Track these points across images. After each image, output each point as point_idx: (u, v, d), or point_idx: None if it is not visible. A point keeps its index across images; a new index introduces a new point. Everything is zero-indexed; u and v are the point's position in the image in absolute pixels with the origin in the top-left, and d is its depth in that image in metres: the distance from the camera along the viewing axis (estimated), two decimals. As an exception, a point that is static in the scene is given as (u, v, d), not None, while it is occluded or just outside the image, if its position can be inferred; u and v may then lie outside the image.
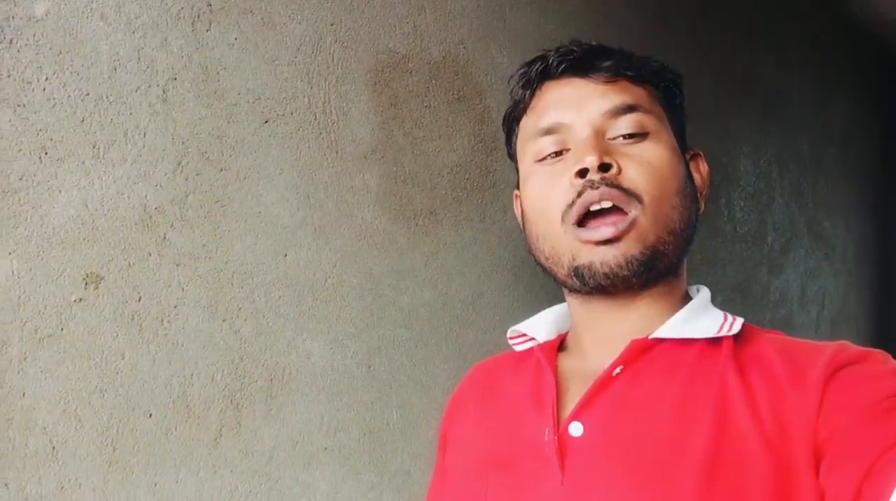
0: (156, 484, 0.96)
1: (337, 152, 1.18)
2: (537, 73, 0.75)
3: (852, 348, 0.64)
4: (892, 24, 3.09)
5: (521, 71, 0.77)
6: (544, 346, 0.78)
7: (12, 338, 0.87)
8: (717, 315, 0.72)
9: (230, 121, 1.06)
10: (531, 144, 0.74)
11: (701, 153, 0.78)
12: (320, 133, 1.16)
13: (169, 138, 0.99)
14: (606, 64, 0.72)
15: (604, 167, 0.68)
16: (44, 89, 0.89)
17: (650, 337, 0.70)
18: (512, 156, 0.82)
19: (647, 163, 0.69)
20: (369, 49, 1.23)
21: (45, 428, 0.89)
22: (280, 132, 1.11)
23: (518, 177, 0.80)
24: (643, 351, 0.70)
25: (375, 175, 1.24)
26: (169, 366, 0.99)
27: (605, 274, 0.68)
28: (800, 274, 2.66)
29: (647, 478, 0.62)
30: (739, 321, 0.70)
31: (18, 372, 0.87)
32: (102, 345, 0.94)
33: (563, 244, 0.70)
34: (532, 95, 0.76)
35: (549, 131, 0.72)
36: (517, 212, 0.83)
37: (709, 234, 2.15)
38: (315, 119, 1.16)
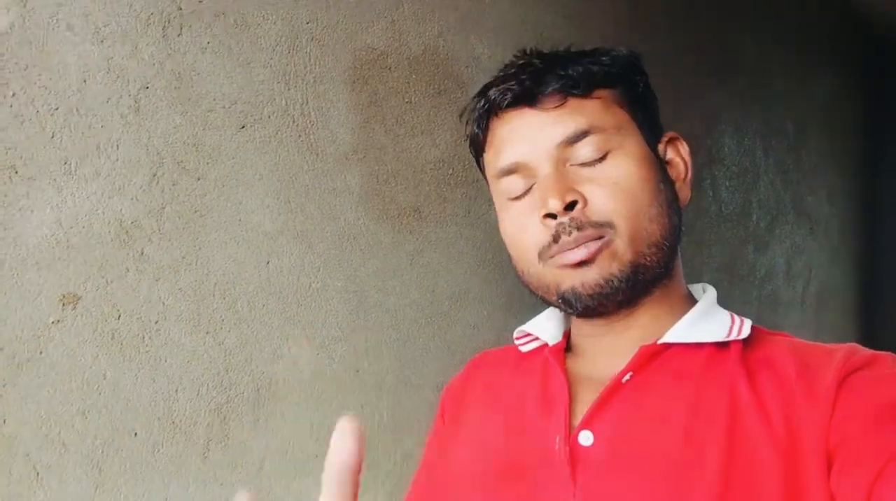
0: (144, 504, 0.95)
1: (317, 154, 1.16)
2: (484, 111, 0.73)
3: (862, 352, 0.64)
4: (876, 2, 3.07)
5: (469, 107, 0.75)
6: (554, 349, 0.76)
7: (-11, 365, 0.85)
8: (725, 316, 0.71)
9: (206, 129, 1.03)
10: (496, 183, 0.73)
11: (679, 136, 0.75)
12: (299, 135, 1.14)
13: (143, 149, 0.97)
14: (550, 89, 0.69)
15: (569, 206, 0.67)
16: (11, 106, 0.86)
17: (659, 341, 0.69)
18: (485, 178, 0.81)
19: (612, 185, 0.67)
20: (347, 46, 1.20)
21: (27, 455, 0.87)
22: (258, 137, 1.09)
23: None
24: (652, 356, 0.69)
25: (357, 175, 1.21)
26: (153, 383, 0.98)
27: (588, 295, 0.68)
28: (785, 251, 2.67)
29: (659, 489, 0.61)
30: (748, 324, 0.69)
31: (-3, 399, 0.85)
32: (83, 366, 0.92)
33: (547, 276, 0.70)
34: (486, 131, 0.74)
35: (509, 171, 0.71)
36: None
37: (695, 215, 2.15)
38: (293, 121, 1.13)
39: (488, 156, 0.75)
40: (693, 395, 0.64)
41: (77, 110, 0.91)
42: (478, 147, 0.77)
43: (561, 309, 0.73)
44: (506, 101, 0.70)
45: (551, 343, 0.77)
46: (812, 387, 0.61)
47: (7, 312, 0.86)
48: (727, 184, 2.31)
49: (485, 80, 1.41)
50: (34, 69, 0.87)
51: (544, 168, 0.69)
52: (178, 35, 1.00)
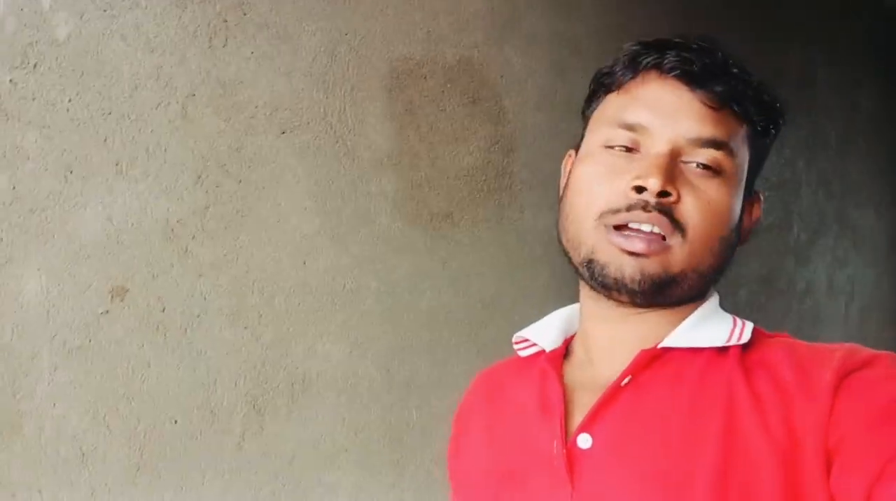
0: (182, 488, 1.00)
1: (353, 159, 1.20)
2: (648, 63, 0.70)
3: (861, 352, 0.63)
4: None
5: (633, 50, 0.72)
6: (551, 355, 0.77)
7: (42, 351, 0.91)
8: (727, 321, 0.71)
9: (248, 134, 1.08)
10: (607, 128, 0.71)
11: (761, 197, 0.76)
12: (336, 141, 1.18)
13: (189, 153, 1.02)
14: (718, 89, 0.68)
15: (663, 193, 0.66)
16: (67, 110, 0.93)
17: (658, 346, 0.69)
18: (584, 115, 0.79)
19: (706, 201, 0.67)
20: (384, 56, 1.24)
21: (75, 436, 0.93)
22: (297, 142, 1.14)
23: (581, 138, 0.77)
24: (651, 360, 0.69)
25: (392, 180, 1.26)
26: (193, 374, 1.03)
27: (615, 279, 0.67)
28: (827, 265, 2.62)
29: (657, 491, 0.62)
30: (749, 327, 0.69)
31: (49, 383, 0.91)
32: (129, 355, 0.97)
33: (589, 236, 0.69)
34: (633, 78, 0.71)
35: (629, 128, 0.69)
36: (565, 170, 0.79)
37: (732, 227, 2.13)
38: (331, 128, 1.18)
39: (616, 98, 0.72)
40: (691, 398, 0.65)
41: (128, 115, 0.97)
42: (609, 83, 0.74)
43: (577, 271, 0.72)
44: (675, 71, 0.68)
45: (548, 349, 0.77)
46: (810, 388, 0.61)
47: (60, 301, 0.92)
48: (766, 194, 2.29)
49: (518, 89, 1.45)
50: (89, 76, 0.94)
51: (662, 146, 0.67)
52: (224, 45, 1.05)
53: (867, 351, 0.63)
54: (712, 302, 0.74)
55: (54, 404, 0.92)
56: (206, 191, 1.04)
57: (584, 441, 0.66)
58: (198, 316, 1.03)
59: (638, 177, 0.65)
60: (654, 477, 0.62)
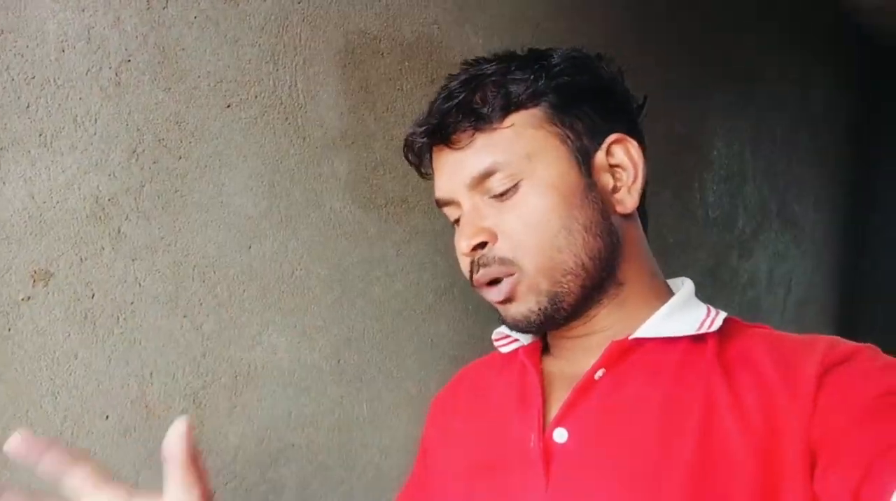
0: (113, 490, 0.92)
1: (304, 138, 1.13)
2: (412, 153, 0.76)
3: (842, 344, 0.63)
4: (871, 11, 3.08)
5: (407, 141, 0.77)
6: (528, 348, 0.77)
7: (-46, 341, 0.81)
8: (700, 310, 0.69)
9: (189, 106, 1.00)
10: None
11: (626, 136, 0.71)
12: (286, 118, 1.11)
13: (123, 124, 0.93)
14: (460, 128, 0.69)
15: (480, 245, 0.69)
16: (-16, 72, 0.83)
17: (630, 337, 0.68)
18: None
19: (516, 221, 0.68)
20: (339, 29, 1.17)
21: (-8, 435, 0.84)
22: (243, 117, 1.06)
23: None
24: (624, 352, 0.68)
25: (344, 161, 1.19)
26: (126, 365, 0.94)
27: (517, 325, 0.71)
28: (768, 257, 2.67)
29: (631, 486, 0.61)
30: (721, 315, 0.68)
31: (-39, 377, 0.82)
32: (54, 346, 0.88)
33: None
34: (420, 165, 0.77)
35: (443, 204, 0.74)
36: None
37: (682, 217, 2.14)
38: (280, 103, 1.10)
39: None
40: (667, 391, 0.64)
41: (54, 80, 0.87)
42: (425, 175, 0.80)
43: None
44: (421, 143, 0.74)
45: (526, 343, 0.78)
46: (792, 382, 0.60)
47: (-26, 287, 0.82)
48: (714, 187, 2.31)
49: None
50: (10, 35, 0.84)
51: (465, 203, 0.71)
52: (164, 7, 0.96)
53: (848, 345, 0.63)
54: (685, 291, 0.73)
55: (-34, 400, 0.82)
56: (142, 168, 0.95)
57: (560, 435, 0.66)
58: (131, 303, 0.95)
59: (456, 248, 0.71)
60: (629, 473, 0.61)
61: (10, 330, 0.85)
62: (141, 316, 0.96)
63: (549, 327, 0.71)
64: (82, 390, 0.91)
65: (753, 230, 2.56)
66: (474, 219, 0.69)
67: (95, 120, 0.91)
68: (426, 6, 1.30)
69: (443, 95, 0.72)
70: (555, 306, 0.68)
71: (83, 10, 0.89)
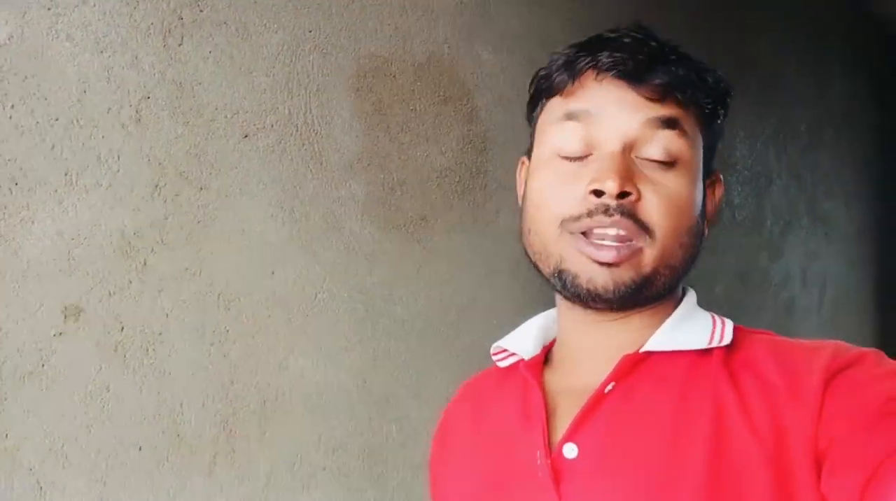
0: (148, 519, 0.94)
1: (321, 163, 1.15)
2: (584, 64, 0.68)
3: (847, 350, 0.62)
4: (891, 5, 3.04)
5: (566, 54, 0.70)
6: (530, 363, 0.75)
7: (-10, 379, 0.84)
8: (706, 320, 0.69)
9: (208, 138, 1.02)
10: (556, 128, 0.69)
11: (720, 177, 0.74)
12: (303, 144, 1.13)
13: (144, 160, 0.96)
14: (658, 81, 0.66)
15: (622, 194, 0.64)
16: (10, 117, 0.86)
17: (641, 350, 0.68)
18: (529, 121, 0.77)
19: (667, 196, 0.65)
20: (350, 54, 1.19)
21: (31, 469, 0.86)
22: (261, 146, 1.08)
23: (531, 144, 0.75)
24: (634, 365, 0.67)
25: (362, 184, 1.20)
26: (157, 396, 0.96)
27: (587, 290, 0.65)
28: (800, 257, 2.63)
29: (645, 497, 0.60)
30: (729, 327, 0.68)
31: (0, 413, 0.84)
32: (86, 379, 0.91)
33: (555, 246, 0.67)
34: (572, 82, 0.69)
35: (577, 118, 0.67)
36: (520, 178, 0.77)
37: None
38: (296, 130, 1.12)
39: (557, 102, 0.70)
40: (676, 403, 0.63)
41: (77, 121, 0.90)
42: (548, 87, 0.71)
43: (549, 282, 0.70)
44: (612, 71, 0.66)
45: (526, 358, 0.75)
46: (797, 389, 0.60)
47: (9, 325, 0.85)
48: (739, 189, 2.28)
49: (491, 86, 1.40)
50: (33, 80, 0.87)
51: (613, 145, 0.65)
52: (179, 44, 0.99)
53: (853, 350, 0.62)
54: (689, 300, 0.73)
55: (6, 435, 0.85)
56: (165, 201, 0.98)
57: (570, 450, 0.64)
58: (160, 334, 0.97)
59: (594, 181, 0.64)
60: (642, 486, 0.60)
61: (43, 365, 0.88)
62: (169, 347, 0.98)
63: (616, 302, 0.66)
64: (115, 422, 0.93)
65: (782, 230, 2.52)
66: (627, 166, 0.65)
67: (118, 157, 0.93)
68: (435, 26, 1.32)
69: (638, 39, 0.68)
70: (643, 290, 0.65)
71: (102, 52, 0.92)
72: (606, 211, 0.63)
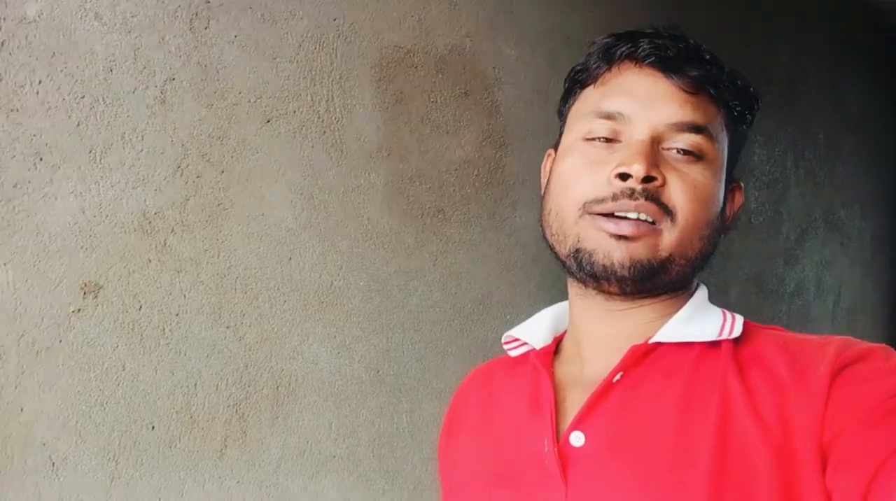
0: (160, 499, 0.94)
1: (341, 151, 1.15)
2: (623, 53, 0.70)
3: (855, 345, 0.62)
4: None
5: (606, 42, 0.72)
6: (541, 352, 0.76)
7: (9, 352, 0.84)
8: (717, 315, 0.70)
9: (231, 122, 1.02)
10: (586, 120, 0.70)
11: (741, 186, 0.76)
12: (324, 131, 1.13)
13: (168, 140, 0.96)
14: (694, 73, 0.68)
15: (648, 179, 0.65)
16: (37, 93, 0.86)
17: (650, 341, 0.68)
18: (560, 115, 0.78)
19: (691, 184, 0.66)
20: (373, 44, 1.19)
21: (44, 444, 0.86)
22: (282, 131, 1.08)
23: (559, 137, 0.77)
24: (643, 355, 0.68)
25: (381, 173, 1.20)
26: (171, 376, 0.97)
27: (604, 266, 0.66)
28: (815, 265, 2.61)
29: (652, 487, 0.60)
30: (740, 321, 0.68)
31: (16, 387, 0.84)
32: (102, 356, 0.91)
33: (574, 226, 0.68)
34: (608, 70, 0.71)
35: (608, 117, 0.69)
36: (545, 170, 0.79)
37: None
38: (318, 117, 1.12)
39: (592, 92, 0.72)
40: (684, 393, 0.64)
41: (103, 99, 0.91)
42: (585, 77, 0.73)
43: (565, 266, 0.71)
44: (651, 59, 0.68)
45: (538, 347, 0.76)
46: (805, 382, 0.60)
47: (28, 299, 0.85)
48: (756, 194, 2.27)
49: (512, 81, 1.40)
50: (61, 57, 0.87)
51: (642, 133, 0.67)
52: (206, 28, 1.00)
53: (861, 344, 0.62)
54: (701, 295, 0.73)
55: (21, 409, 0.85)
56: (186, 182, 0.98)
57: (577, 438, 0.65)
58: (176, 314, 0.97)
59: (621, 164, 0.65)
60: (648, 475, 0.61)
61: (60, 341, 0.88)
62: (186, 328, 0.98)
63: (630, 282, 0.67)
64: (129, 400, 0.93)
65: (798, 237, 2.50)
66: (654, 153, 0.66)
67: (142, 136, 0.94)
68: (458, 20, 1.32)
69: (673, 35, 0.70)
70: (658, 274, 0.66)
71: (129, 32, 0.93)
72: (631, 194, 0.64)
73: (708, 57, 0.70)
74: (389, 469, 1.20)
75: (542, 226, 0.73)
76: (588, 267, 0.66)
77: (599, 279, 0.67)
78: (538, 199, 0.75)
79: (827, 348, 0.62)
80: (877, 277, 3.12)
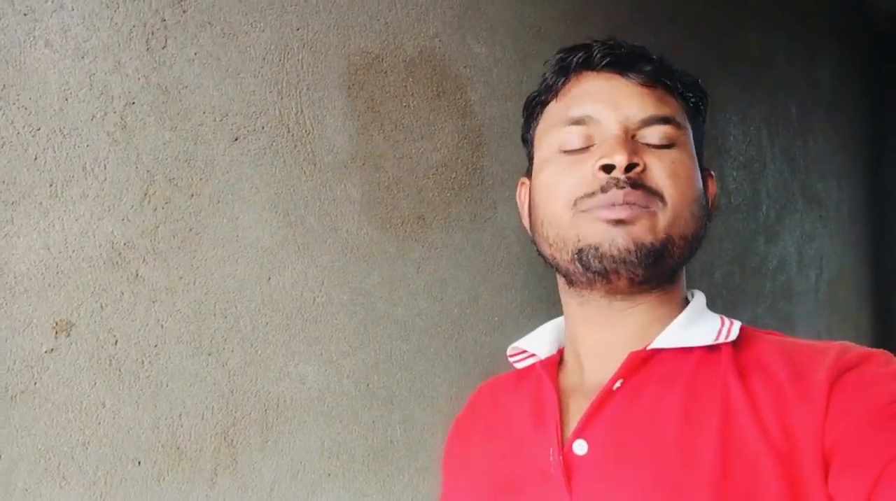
0: (151, 537, 0.91)
1: (314, 164, 1.12)
2: (577, 62, 0.72)
3: (854, 350, 0.63)
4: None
5: (559, 56, 0.74)
6: (546, 362, 0.77)
7: (-19, 400, 0.81)
8: (714, 320, 0.70)
9: (197, 143, 0.99)
10: (555, 132, 0.72)
11: (713, 174, 0.77)
12: (295, 145, 1.10)
13: (132, 167, 0.93)
14: (648, 68, 0.70)
15: (630, 167, 0.66)
16: (-10, 128, 0.82)
17: (649, 347, 0.68)
18: (526, 141, 0.79)
19: (671, 163, 0.68)
20: (340, 52, 1.16)
21: (26, 490, 0.83)
22: (252, 149, 1.05)
23: (530, 165, 0.78)
24: (642, 362, 0.68)
25: (357, 183, 1.18)
26: (154, 409, 0.94)
27: (611, 256, 0.65)
28: (796, 239, 2.62)
29: (654, 493, 0.60)
30: (737, 325, 0.69)
31: (-9, 436, 0.81)
32: (80, 395, 0.88)
33: (570, 228, 0.68)
34: (566, 82, 0.73)
35: (577, 122, 0.70)
36: (521, 200, 0.80)
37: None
38: (288, 131, 1.09)
39: (555, 107, 0.73)
40: (685, 398, 0.64)
41: (60, 130, 0.87)
42: (545, 98, 0.75)
43: (568, 274, 0.71)
44: (605, 61, 0.70)
45: (543, 356, 0.78)
46: (805, 387, 0.61)
47: (-3, 344, 0.82)
48: (734, 174, 2.27)
49: (484, 79, 1.38)
50: (12, 89, 0.83)
51: (614, 129, 0.68)
52: (163, 47, 0.96)
53: (860, 349, 0.63)
54: (698, 302, 0.74)
55: (0, 457, 0.82)
56: (155, 209, 0.95)
57: (580, 447, 0.65)
58: (155, 346, 0.94)
59: (603, 157, 0.66)
60: (652, 481, 0.61)
61: (35, 383, 0.85)
62: (166, 359, 0.95)
63: (640, 267, 0.66)
64: (112, 438, 0.90)
65: (778, 213, 2.51)
66: (630, 143, 0.68)
67: (104, 166, 0.90)
68: (426, 21, 1.29)
69: (617, 41, 0.72)
70: (663, 258, 0.66)
71: (83, 57, 0.89)
72: (618, 184, 0.65)
73: (655, 57, 0.73)
74: (385, 482, 1.18)
75: (536, 244, 0.74)
76: (596, 263, 0.66)
77: (609, 273, 0.66)
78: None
79: (826, 353, 0.62)
80: (856, 247, 3.15)
